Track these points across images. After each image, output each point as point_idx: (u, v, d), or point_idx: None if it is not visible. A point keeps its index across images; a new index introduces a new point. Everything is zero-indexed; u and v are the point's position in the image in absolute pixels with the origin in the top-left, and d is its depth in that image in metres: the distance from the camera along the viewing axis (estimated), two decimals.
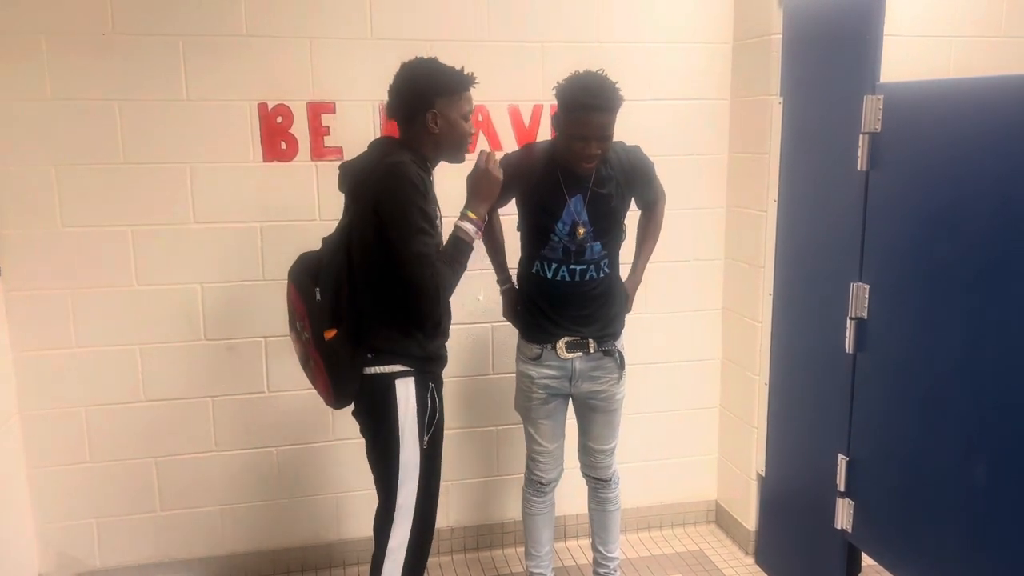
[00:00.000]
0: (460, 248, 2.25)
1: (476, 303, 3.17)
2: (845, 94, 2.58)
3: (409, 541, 2.32)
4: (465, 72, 2.28)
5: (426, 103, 2.22)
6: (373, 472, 2.39)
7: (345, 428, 3.15)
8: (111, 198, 2.87)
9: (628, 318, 2.77)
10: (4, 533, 2.68)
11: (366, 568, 2.52)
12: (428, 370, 2.33)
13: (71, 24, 2.74)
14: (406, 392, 2.26)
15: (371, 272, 2.21)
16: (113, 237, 2.89)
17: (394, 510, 2.30)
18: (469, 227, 2.26)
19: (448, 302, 2.32)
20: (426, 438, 2.29)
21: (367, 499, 2.55)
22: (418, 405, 2.27)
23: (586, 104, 2.34)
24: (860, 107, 2.49)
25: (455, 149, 2.32)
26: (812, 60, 2.83)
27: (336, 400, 2.30)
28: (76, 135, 2.81)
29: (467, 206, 2.31)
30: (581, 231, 2.53)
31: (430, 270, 2.15)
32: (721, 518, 3.60)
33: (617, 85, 2.40)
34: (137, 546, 3.11)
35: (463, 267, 2.27)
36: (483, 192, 2.31)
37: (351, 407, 2.38)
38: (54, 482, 2.99)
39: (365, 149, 2.37)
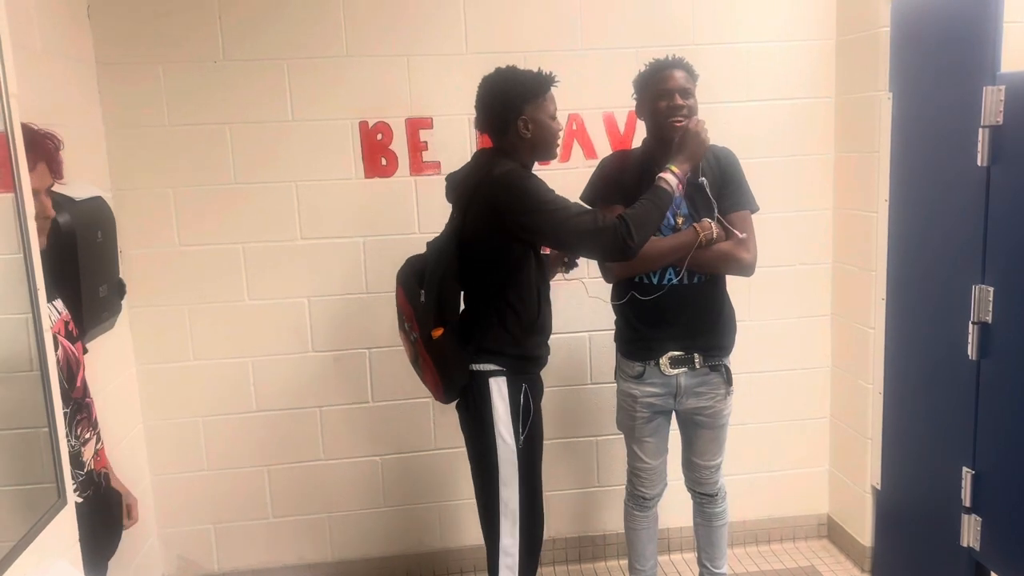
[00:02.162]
0: (660, 196, 2.28)
1: (581, 303, 3.16)
2: (962, 86, 2.45)
3: (520, 541, 2.37)
4: (544, 73, 2.33)
5: (516, 111, 2.29)
6: (471, 467, 2.45)
7: (447, 438, 3.19)
8: (224, 217, 3.01)
9: None
10: (132, 536, 2.82)
11: None
12: (523, 370, 2.37)
13: (186, 54, 2.90)
14: (499, 391, 2.32)
15: (474, 274, 2.30)
16: (226, 254, 3.03)
17: (499, 510, 2.35)
18: (672, 179, 2.31)
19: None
20: (522, 437, 2.34)
21: (470, 508, 2.57)
22: (511, 404, 2.32)
23: (661, 65, 2.50)
24: (979, 99, 2.36)
25: (548, 148, 2.39)
26: (924, 52, 2.69)
27: (445, 395, 2.39)
28: (191, 158, 2.96)
29: (672, 162, 2.35)
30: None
31: (598, 223, 2.18)
32: (834, 532, 3.46)
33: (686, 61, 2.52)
34: (252, 551, 3.23)
35: (661, 214, 2.30)
36: (689, 150, 2.37)
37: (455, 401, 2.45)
38: (175, 488, 3.14)
39: (467, 161, 2.46)
